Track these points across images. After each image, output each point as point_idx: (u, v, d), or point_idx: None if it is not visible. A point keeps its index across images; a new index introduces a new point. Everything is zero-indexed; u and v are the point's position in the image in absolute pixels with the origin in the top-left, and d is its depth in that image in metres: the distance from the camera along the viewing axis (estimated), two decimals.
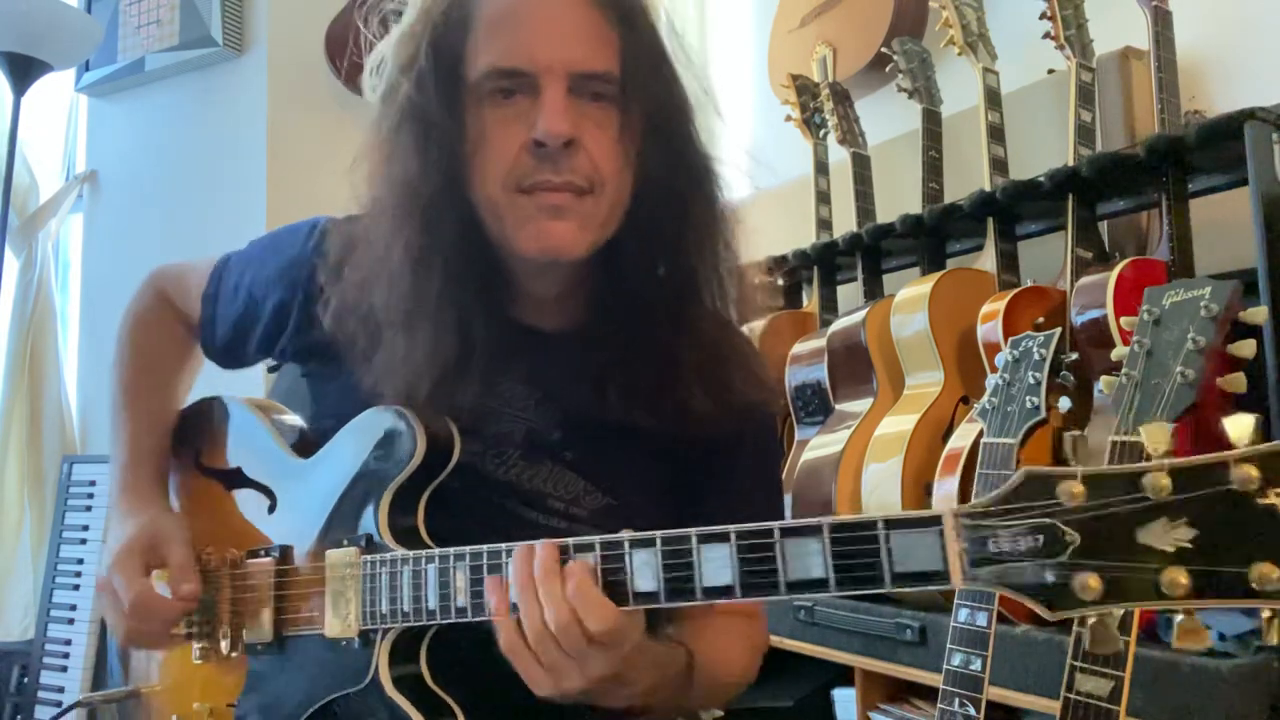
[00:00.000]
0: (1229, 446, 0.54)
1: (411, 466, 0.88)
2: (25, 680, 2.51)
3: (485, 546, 0.80)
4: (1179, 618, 0.57)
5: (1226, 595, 0.54)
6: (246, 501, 1.03)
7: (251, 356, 1.09)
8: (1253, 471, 0.53)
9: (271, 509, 1.00)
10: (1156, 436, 0.57)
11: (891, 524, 0.63)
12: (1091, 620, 0.59)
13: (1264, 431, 0.55)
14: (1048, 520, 0.58)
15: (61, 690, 2.44)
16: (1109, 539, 0.57)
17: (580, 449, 0.95)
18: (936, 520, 0.62)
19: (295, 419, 1.09)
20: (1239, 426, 0.54)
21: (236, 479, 1.05)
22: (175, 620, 0.95)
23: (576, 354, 0.96)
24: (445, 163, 0.87)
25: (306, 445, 1.01)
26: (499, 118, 0.87)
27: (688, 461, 0.97)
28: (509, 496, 0.94)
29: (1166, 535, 0.55)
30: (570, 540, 0.76)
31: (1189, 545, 0.54)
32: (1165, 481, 0.55)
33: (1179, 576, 0.54)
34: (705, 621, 0.98)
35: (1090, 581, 0.56)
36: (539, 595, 0.73)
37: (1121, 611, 0.58)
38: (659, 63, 0.91)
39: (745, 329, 1.03)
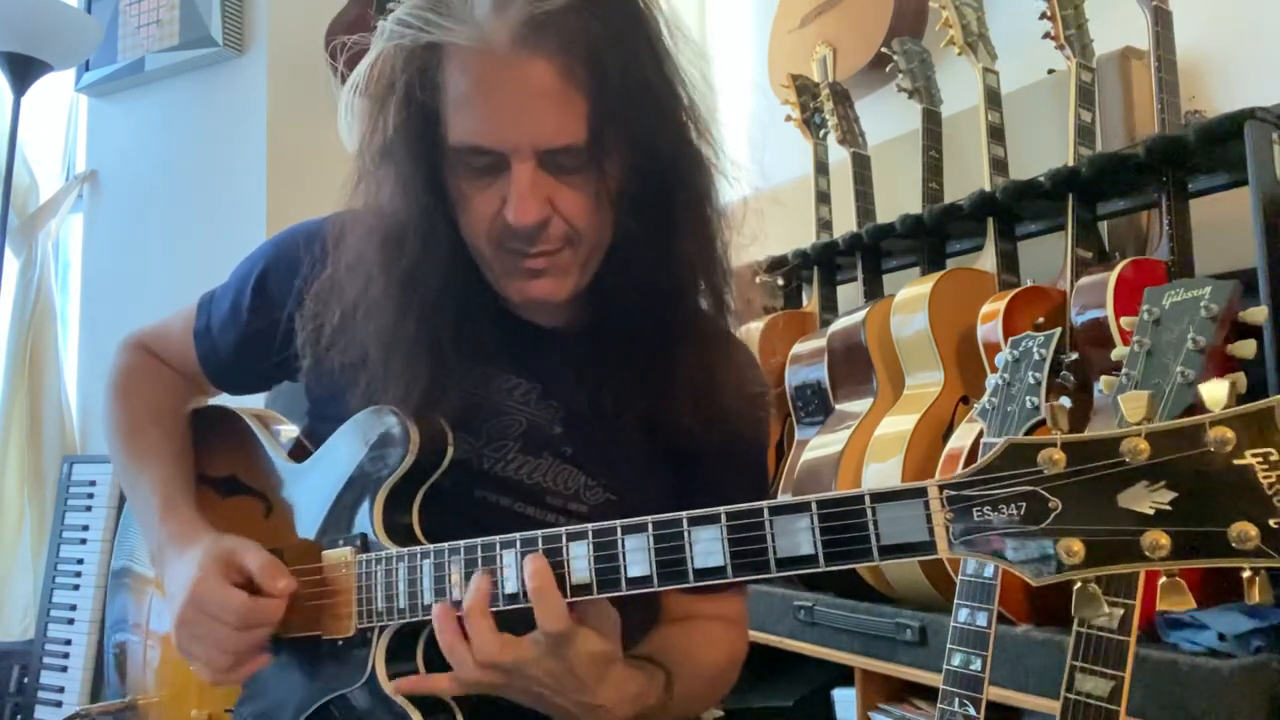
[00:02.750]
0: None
1: (404, 466, 0.88)
2: (25, 680, 2.51)
3: (479, 540, 0.80)
4: (1162, 579, 0.58)
5: (1207, 555, 0.55)
6: (242, 508, 1.03)
7: (272, 368, 1.05)
8: (1228, 433, 0.54)
9: (267, 514, 1.00)
10: (1133, 404, 0.58)
11: (878, 498, 0.65)
12: (1077, 585, 0.59)
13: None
14: (1030, 488, 0.59)
15: (61, 690, 2.43)
16: (1090, 504, 0.58)
17: (580, 443, 0.95)
18: (921, 492, 0.63)
19: (291, 428, 1.09)
20: (1214, 390, 0.55)
21: (231, 486, 1.05)
22: (279, 618, 0.89)
23: (573, 351, 0.96)
24: (430, 210, 0.87)
25: (302, 450, 1.01)
26: (476, 184, 0.86)
27: (684, 460, 0.97)
28: (506, 493, 0.93)
29: (1146, 498, 0.56)
30: (563, 530, 0.77)
31: (1168, 507, 0.55)
32: (1143, 446, 0.56)
33: (1160, 538, 0.55)
34: (686, 627, 0.98)
35: (1073, 546, 0.58)
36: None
37: (1106, 574, 0.59)
38: (638, 102, 0.84)
39: (743, 329, 1.03)
